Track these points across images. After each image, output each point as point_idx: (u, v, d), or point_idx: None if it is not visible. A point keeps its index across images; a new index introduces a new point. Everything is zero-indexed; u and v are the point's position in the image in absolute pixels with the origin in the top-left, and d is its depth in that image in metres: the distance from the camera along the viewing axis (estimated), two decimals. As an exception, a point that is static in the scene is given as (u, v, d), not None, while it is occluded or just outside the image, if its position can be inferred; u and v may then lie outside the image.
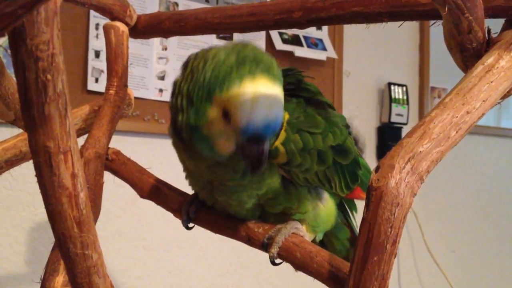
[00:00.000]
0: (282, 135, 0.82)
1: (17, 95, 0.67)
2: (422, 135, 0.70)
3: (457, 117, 0.71)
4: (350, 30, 2.56)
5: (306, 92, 0.88)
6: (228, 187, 0.84)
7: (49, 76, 0.45)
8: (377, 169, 0.69)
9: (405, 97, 2.68)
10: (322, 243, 0.99)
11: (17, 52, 0.44)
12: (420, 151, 0.70)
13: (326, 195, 0.91)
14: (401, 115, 2.65)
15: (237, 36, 2.17)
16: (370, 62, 2.68)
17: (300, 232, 0.88)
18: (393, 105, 2.64)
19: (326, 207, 0.91)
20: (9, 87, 0.61)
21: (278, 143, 0.82)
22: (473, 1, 0.70)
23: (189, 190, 0.98)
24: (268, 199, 0.87)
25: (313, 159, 0.85)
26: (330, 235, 0.99)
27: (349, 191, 0.92)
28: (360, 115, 2.65)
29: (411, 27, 2.78)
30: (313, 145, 0.84)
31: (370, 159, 2.47)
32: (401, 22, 0.86)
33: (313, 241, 0.93)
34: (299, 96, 0.86)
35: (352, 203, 1.00)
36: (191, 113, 0.72)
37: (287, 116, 0.82)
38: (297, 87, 0.87)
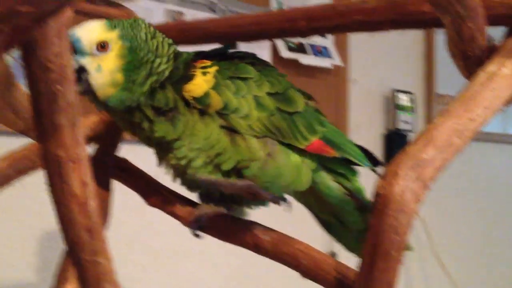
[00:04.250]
0: (211, 80, 0.87)
1: (27, 104, 0.68)
2: (427, 143, 0.71)
3: (460, 124, 0.72)
4: (355, 37, 2.58)
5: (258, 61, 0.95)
6: (167, 144, 0.89)
7: (59, 87, 0.46)
8: (382, 176, 0.70)
9: (411, 104, 2.68)
10: (334, 220, 1.01)
11: (29, 63, 0.45)
12: (425, 158, 0.70)
13: (277, 147, 0.90)
14: (408, 123, 2.65)
15: (241, 45, 2.19)
16: (376, 69, 2.68)
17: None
18: (399, 112, 2.64)
19: (277, 160, 0.89)
20: (18, 97, 0.63)
21: (206, 87, 0.86)
22: (475, 10, 0.71)
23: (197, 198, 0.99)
24: (217, 154, 0.88)
25: (250, 104, 0.88)
26: (333, 209, 0.99)
27: (306, 142, 0.91)
28: (366, 123, 2.65)
29: (416, 33, 2.79)
30: (247, 90, 0.88)
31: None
32: (403, 30, 0.87)
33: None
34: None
35: (343, 167, 0.98)
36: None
37: (215, 67, 0.88)
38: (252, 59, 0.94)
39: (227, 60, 0.92)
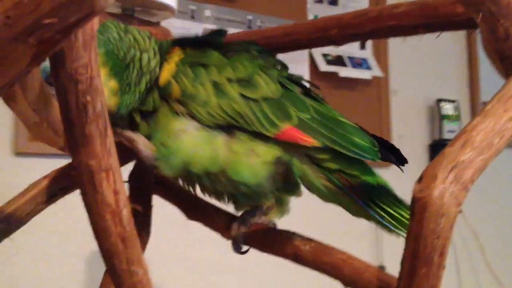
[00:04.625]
0: (173, 69, 0.85)
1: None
2: (464, 144, 0.69)
3: (499, 124, 0.70)
4: (395, 48, 2.55)
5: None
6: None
7: (88, 98, 0.47)
8: (419, 179, 0.68)
9: (456, 113, 2.63)
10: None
11: (58, 75, 0.46)
12: (463, 160, 0.69)
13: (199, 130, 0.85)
14: (453, 132, 2.60)
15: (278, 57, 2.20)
16: (417, 78, 2.64)
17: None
18: (445, 121, 2.59)
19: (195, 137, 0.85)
20: (56, 114, 0.64)
21: (168, 76, 0.85)
22: (507, 6, 0.69)
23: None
24: None
25: (209, 91, 0.85)
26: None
27: (275, 129, 0.84)
28: (410, 133, 2.61)
29: (457, 40, 2.74)
30: (206, 76, 0.85)
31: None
32: (437, 34, 0.85)
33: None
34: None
35: (338, 160, 0.87)
36: None
37: (181, 55, 0.87)
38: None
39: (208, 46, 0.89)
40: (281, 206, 0.97)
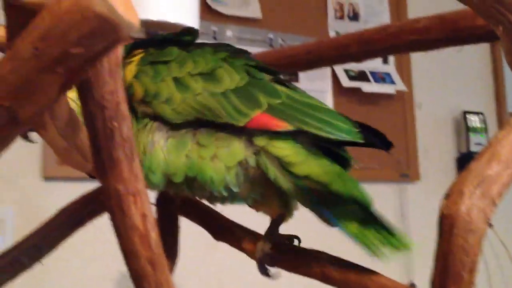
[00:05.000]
0: (133, 69, 0.83)
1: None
2: (490, 158, 0.69)
3: (526, 136, 0.69)
4: (418, 61, 2.54)
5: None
6: None
7: (115, 123, 0.48)
8: (446, 196, 0.68)
9: (482, 125, 2.59)
10: None
11: (86, 102, 0.48)
12: (490, 175, 0.68)
13: (170, 140, 0.82)
14: (481, 144, 2.57)
15: (301, 75, 2.21)
16: (442, 91, 2.62)
17: None
18: (471, 134, 2.56)
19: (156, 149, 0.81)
20: (84, 139, 0.66)
21: (130, 77, 0.83)
22: (530, 17, 0.68)
23: (263, 230, 0.99)
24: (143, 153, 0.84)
25: (171, 87, 0.82)
26: None
27: (245, 117, 0.80)
28: (437, 147, 2.58)
29: (481, 50, 2.72)
30: (167, 72, 0.83)
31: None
32: (459, 48, 0.85)
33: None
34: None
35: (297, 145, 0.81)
36: None
37: (140, 55, 0.85)
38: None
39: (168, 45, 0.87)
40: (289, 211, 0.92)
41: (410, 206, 2.48)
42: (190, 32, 0.91)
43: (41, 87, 0.43)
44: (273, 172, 0.80)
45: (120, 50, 0.49)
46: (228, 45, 0.92)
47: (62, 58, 0.41)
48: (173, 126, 0.82)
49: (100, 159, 0.49)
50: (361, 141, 0.78)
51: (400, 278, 0.88)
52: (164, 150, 0.81)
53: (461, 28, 0.84)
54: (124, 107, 0.49)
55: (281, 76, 0.88)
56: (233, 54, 0.87)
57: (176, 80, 0.82)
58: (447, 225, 0.66)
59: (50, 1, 0.44)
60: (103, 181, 0.50)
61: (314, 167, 0.78)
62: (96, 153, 0.50)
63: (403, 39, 0.89)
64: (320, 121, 0.79)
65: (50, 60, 0.42)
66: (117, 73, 0.48)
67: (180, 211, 1.11)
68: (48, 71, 0.42)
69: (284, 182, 0.80)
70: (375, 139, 0.81)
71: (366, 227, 0.77)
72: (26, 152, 1.82)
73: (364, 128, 0.80)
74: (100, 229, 1.65)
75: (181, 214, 1.12)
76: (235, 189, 0.82)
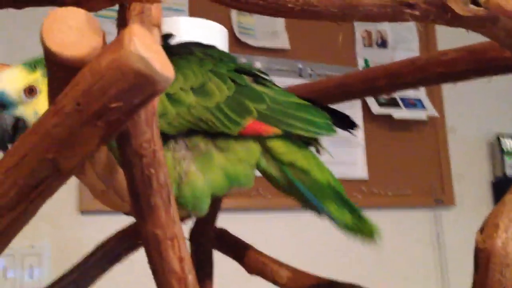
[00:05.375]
0: None
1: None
2: (525, 190, 0.68)
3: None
4: (449, 85, 2.52)
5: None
6: None
7: (152, 171, 0.50)
8: (481, 229, 0.67)
9: (518, 148, 2.56)
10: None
11: (124, 151, 0.50)
12: (525, 207, 0.67)
13: (193, 166, 0.83)
14: (516, 168, 2.53)
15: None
16: (475, 115, 2.60)
17: None
18: (506, 157, 2.52)
19: (191, 181, 0.83)
20: (121, 181, 0.68)
21: None
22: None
23: (300, 265, 0.99)
24: None
25: (164, 102, 0.81)
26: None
27: (238, 126, 0.83)
28: (471, 171, 2.54)
29: None
30: None
31: (488, 214, 2.35)
32: (488, 79, 0.85)
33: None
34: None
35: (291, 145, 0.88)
36: None
37: None
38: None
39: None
40: None
41: (445, 231, 2.44)
42: (166, 36, 0.92)
43: (83, 139, 0.45)
44: (264, 162, 0.87)
45: (156, 100, 0.51)
46: (198, 44, 0.92)
47: (102, 112, 0.44)
48: (178, 141, 0.84)
49: (139, 205, 0.51)
50: (335, 134, 0.89)
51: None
52: (199, 174, 0.83)
53: (490, 59, 0.84)
54: (161, 154, 0.51)
55: (257, 73, 0.92)
56: (214, 60, 0.89)
57: (168, 96, 0.83)
58: (483, 259, 0.65)
59: (90, 58, 0.46)
60: (141, 226, 0.52)
61: (298, 156, 0.87)
62: (134, 199, 0.51)
63: (431, 72, 0.90)
64: (303, 122, 0.87)
65: (91, 115, 0.44)
66: (153, 122, 0.50)
67: (213, 244, 1.13)
68: (89, 125, 0.44)
69: (275, 172, 0.87)
70: (341, 123, 0.92)
71: (343, 210, 0.87)
72: (63, 187, 1.86)
73: (331, 113, 0.91)
74: (134, 262, 1.66)
75: (214, 248, 1.13)
76: (251, 185, 0.87)
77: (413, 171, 2.44)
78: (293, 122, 0.86)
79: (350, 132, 0.93)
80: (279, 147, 0.87)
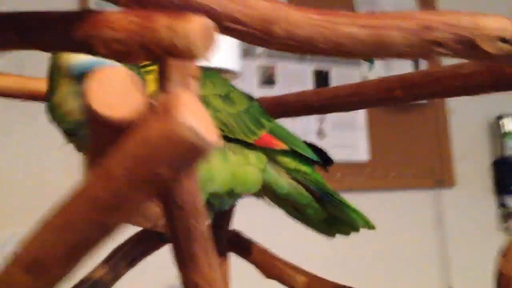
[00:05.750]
0: (152, 84, 0.87)
1: (153, 209, 0.75)
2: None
3: None
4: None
5: None
6: None
7: (193, 222, 0.51)
8: (503, 254, 0.69)
9: (518, 129, 2.58)
10: (296, 213, 1.03)
11: (167, 206, 0.51)
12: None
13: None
14: (516, 148, 2.55)
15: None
16: (475, 96, 2.60)
17: None
18: (507, 138, 2.54)
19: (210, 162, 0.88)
20: (146, 205, 0.69)
21: (154, 87, 0.86)
22: None
23: (318, 270, 1.01)
24: None
25: None
26: (291, 203, 1.01)
27: (254, 135, 0.92)
28: (472, 152, 2.57)
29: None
30: None
31: (488, 194, 2.38)
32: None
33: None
34: None
35: (296, 160, 0.98)
36: None
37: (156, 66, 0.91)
38: None
39: None
40: None
41: (447, 211, 2.48)
42: None
43: (130, 201, 0.46)
44: (271, 170, 0.96)
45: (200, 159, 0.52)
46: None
47: (150, 177, 0.45)
48: None
49: (180, 254, 0.53)
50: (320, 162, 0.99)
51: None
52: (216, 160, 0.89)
53: (507, 74, 0.85)
54: (200, 205, 0.52)
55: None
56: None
57: (201, 98, 0.86)
58: (504, 284, 0.68)
59: (135, 118, 0.47)
60: (183, 274, 0.54)
61: (306, 169, 0.97)
62: (175, 247, 0.53)
63: (447, 84, 0.90)
64: (299, 143, 0.97)
65: (139, 179, 0.45)
66: (193, 176, 0.51)
67: (229, 247, 1.15)
68: (136, 189, 0.45)
69: (282, 178, 0.97)
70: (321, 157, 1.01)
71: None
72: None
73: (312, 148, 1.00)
74: (148, 268, 1.68)
75: (230, 251, 1.15)
76: (258, 189, 0.95)
77: (414, 152, 2.46)
78: (296, 142, 0.96)
79: (325, 169, 1.03)
80: (288, 162, 0.96)
